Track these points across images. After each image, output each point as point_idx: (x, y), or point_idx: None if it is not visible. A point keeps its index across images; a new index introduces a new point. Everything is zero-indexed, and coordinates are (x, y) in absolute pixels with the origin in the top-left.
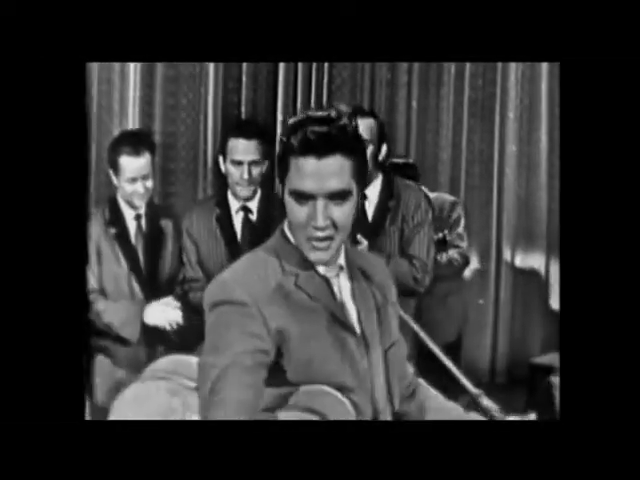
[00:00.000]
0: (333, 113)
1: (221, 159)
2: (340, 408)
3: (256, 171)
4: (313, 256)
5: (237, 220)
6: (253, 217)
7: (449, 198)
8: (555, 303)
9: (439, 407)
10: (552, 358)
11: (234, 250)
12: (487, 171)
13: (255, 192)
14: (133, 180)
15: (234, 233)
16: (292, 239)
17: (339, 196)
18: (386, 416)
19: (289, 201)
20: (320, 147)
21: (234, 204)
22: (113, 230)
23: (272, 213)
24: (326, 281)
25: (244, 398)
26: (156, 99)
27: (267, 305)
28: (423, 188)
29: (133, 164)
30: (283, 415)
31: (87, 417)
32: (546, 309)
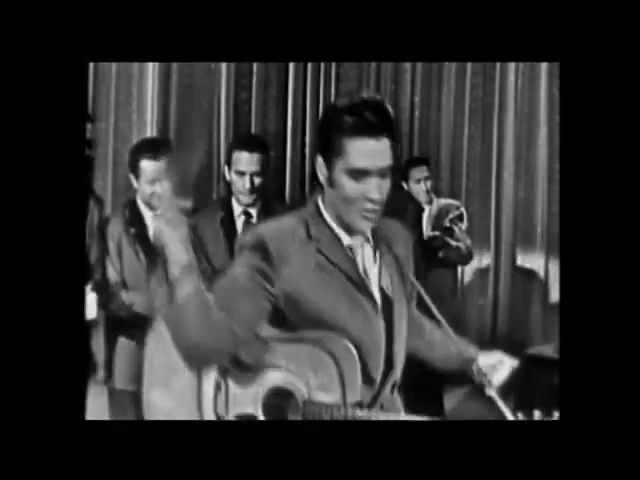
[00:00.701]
0: (379, 98)
1: (226, 169)
2: (349, 356)
3: (257, 181)
4: (364, 225)
5: (239, 223)
6: (253, 221)
7: (454, 202)
8: (554, 300)
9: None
10: (543, 349)
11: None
12: (486, 174)
13: (256, 200)
14: (152, 182)
15: (235, 234)
16: (325, 213)
17: (387, 173)
18: (397, 373)
19: (342, 178)
20: (377, 129)
21: (237, 209)
22: (133, 230)
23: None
24: (350, 249)
25: (244, 309)
26: (171, 109)
27: (285, 264)
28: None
29: (152, 167)
30: (293, 347)
31: (106, 402)
32: (545, 306)
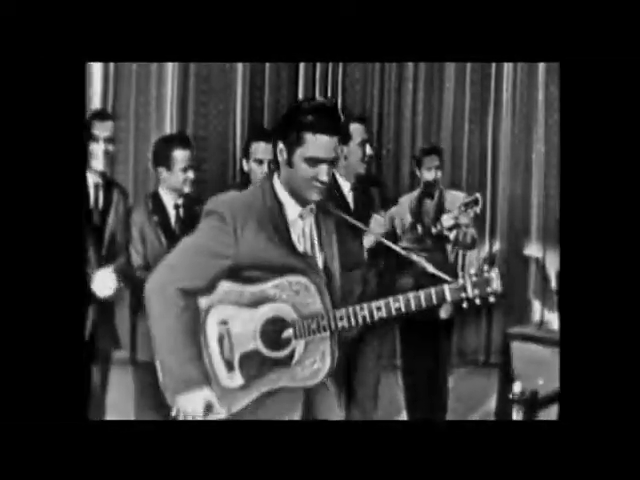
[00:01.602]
0: (334, 102)
1: (244, 161)
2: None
3: (273, 168)
4: (315, 197)
5: None
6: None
7: (462, 195)
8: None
9: None
10: (527, 329)
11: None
12: (482, 169)
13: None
14: (184, 170)
15: None
16: (278, 188)
17: (334, 162)
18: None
19: (300, 162)
20: (332, 129)
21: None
22: (156, 218)
23: None
24: (300, 216)
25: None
26: (189, 107)
27: (241, 227)
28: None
29: (185, 155)
30: (269, 284)
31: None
32: (539, 291)
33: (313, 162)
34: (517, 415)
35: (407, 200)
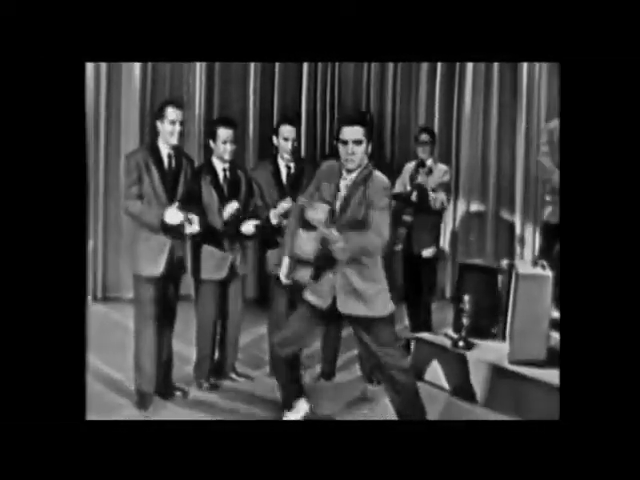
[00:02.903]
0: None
1: (274, 138)
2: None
3: (295, 145)
4: (349, 165)
5: (283, 173)
6: (292, 171)
7: (443, 167)
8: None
9: None
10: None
11: (281, 190)
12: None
13: (294, 159)
14: (224, 142)
15: (281, 180)
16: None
17: (359, 142)
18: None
19: (339, 145)
20: (354, 121)
21: (281, 163)
22: (208, 177)
23: (302, 170)
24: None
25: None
26: (215, 100)
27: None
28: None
29: (225, 132)
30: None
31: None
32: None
33: (343, 143)
34: None
35: (407, 170)
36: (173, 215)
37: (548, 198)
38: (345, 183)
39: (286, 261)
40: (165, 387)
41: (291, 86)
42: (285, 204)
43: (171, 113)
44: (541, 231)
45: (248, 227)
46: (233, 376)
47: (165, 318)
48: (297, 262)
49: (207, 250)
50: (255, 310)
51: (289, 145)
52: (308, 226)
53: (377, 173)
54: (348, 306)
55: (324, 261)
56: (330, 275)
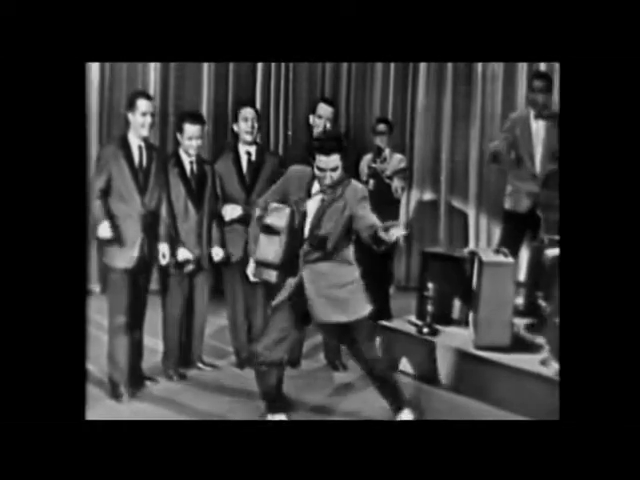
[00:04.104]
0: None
1: (234, 124)
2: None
3: (255, 127)
4: (327, 183)
5: (244, 159)
6: (253, 158)
7: (399, 156)
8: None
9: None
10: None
11: (241, 178)
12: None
13: (255, 140)
14: (190, 139)
15: (242, 167)
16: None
17: (334, 169)
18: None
19: (315, 169)
20: (329, 150)
21: (242, 149)
22: (176, 169)
23: (264, 157)
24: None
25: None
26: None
27: (292, 187)
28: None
29: (191, 128)
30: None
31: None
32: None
33: (320, 170)
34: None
35: (365, 161)
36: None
37: (509, 188)
38: (320, 193)
39: (252, 262)
40: (137, 377)
41: (245, 80)
42: (236, 212)
43: (142, 105)
44: (501, 220)
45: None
46: (200, 366)
47: (137, 309)
48: (261, 264)
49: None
50: (212, 300)
51: (249, 126)
52: (269, 230)
53: (354, 183)
54: (327, 314)
55: (288, 265)
56: (292, 279)
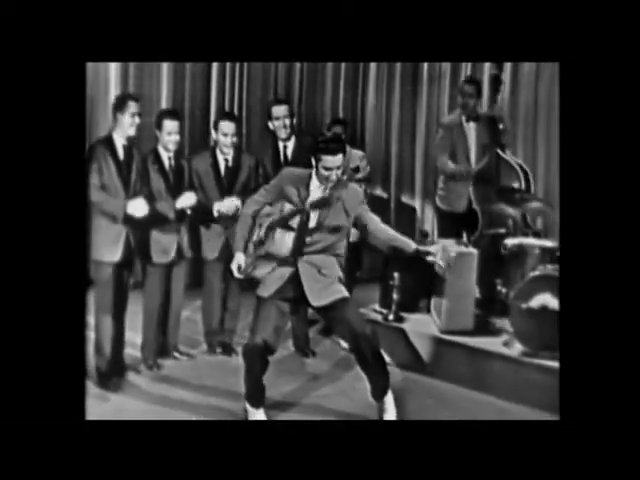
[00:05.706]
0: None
1: (213, 132)
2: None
3: (235, 139)
4: (331, 183)
5: (221, 165)
6: (229, 164)
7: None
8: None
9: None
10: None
11: (219, 182)
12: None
13: (233, 149)
14: (169, 134)
15: (219, 170)
16: (314, 176)
17: (339, 167)
18: None
19: (321, 169)
20: (335, 151)
21: (220, 156)
22: (156, 165)
23: (242, 161)
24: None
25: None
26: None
27: (287, 187)
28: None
29: (170, 124)
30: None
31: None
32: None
33: (326, 170)
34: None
35: None
36: (138, 207)
37: (441, 185)
38: (319, 190)
39: (241, 257)
40: (120, 367)
41: (200, 82)
42: (231, 204)
43: (132, 106)
44: (437, 218)
45: (189, 198)
46: (176, 355)
47: (121, 302)
48: (260, 258)
49: (155, 235)
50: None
51: (228, 140)
52: (287, 227)
53: (352, 185)
54: (323, 297)
55: (290, 259)
56: (285, 270)
